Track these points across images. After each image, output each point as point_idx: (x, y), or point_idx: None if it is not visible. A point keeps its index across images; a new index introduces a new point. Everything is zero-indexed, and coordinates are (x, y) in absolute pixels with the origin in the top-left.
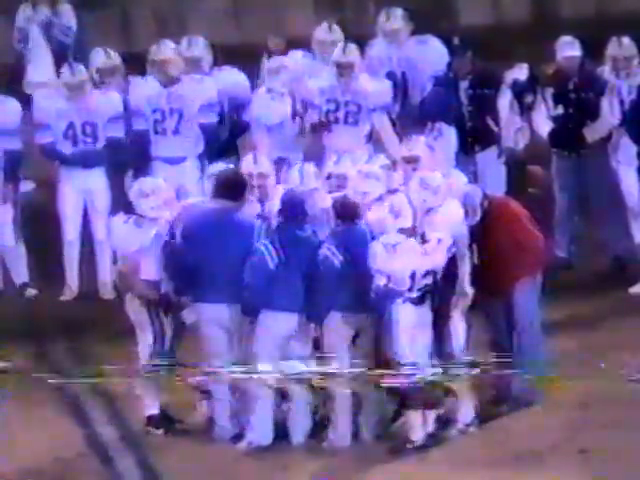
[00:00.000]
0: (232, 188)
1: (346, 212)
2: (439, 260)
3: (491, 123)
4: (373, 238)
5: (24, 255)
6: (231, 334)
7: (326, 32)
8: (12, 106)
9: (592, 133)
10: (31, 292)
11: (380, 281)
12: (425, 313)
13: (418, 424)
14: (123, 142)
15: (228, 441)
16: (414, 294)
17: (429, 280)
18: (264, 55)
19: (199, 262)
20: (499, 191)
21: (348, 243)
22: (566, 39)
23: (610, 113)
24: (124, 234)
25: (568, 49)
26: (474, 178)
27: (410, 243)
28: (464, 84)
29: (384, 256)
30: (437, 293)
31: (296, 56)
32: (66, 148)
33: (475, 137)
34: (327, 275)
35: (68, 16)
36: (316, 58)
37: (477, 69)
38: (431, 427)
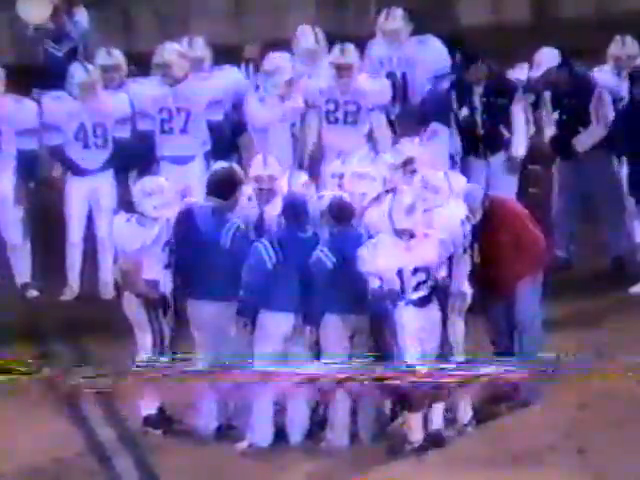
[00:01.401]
0: (223, 187)
1: (342, 214)
2: (428, 256)
3: (504, 130)
4: (371, 239)
5: (29, 254)
6: (215, 331)
7: (313, 43)
8: (29, 106)
9: (582, 143)
10: (32, 293)
11: (374, 283)
12: (430, 315)
13: (418, 425)
14: (129, 142)
15: (216, 438)
16: (413, 295)
17: (421, 278)
18: (243, 63)
19: (193, 260)
20: (511, 194)
21: (343, 245)
22: (544, 51)
23: (597, 123)
24: (126, 232)
25: (545, 62)
26: (486, 182)
27: (390, 240)
28: (478, 89)
29: (367, 256)
30: (441, 294)
31: (285, 57)
32: (77, 149)
33: (487, 142)
34: (320, 277)
35: (80, 12)
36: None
37: (492, 75)
38: (438, 424)
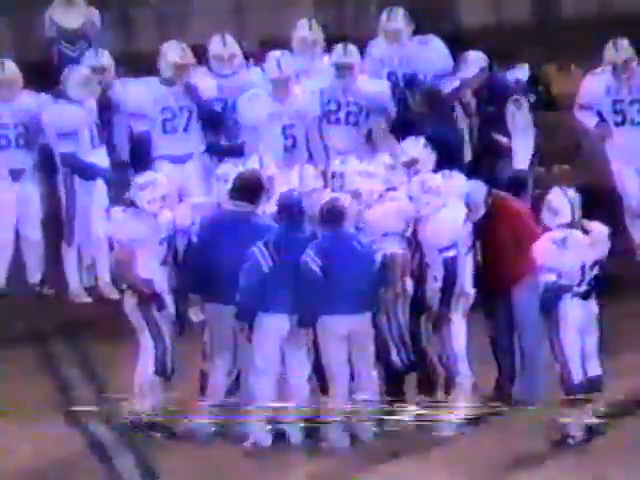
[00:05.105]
0: (250, 191)
1: (332, 217)
2: (604, 250)
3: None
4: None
5: (42, 251)
6: (236, 334)
7: (307, 31)
8: (45, 102)
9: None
10: (49, 291)
11: (549, 278)
12: (592, 308)
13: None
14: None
15: (216, 438)
16: (583, 288)
17: (597, 271)
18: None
19: (214, 262)
20: None
21: (334, 246)
22: (471, 55)
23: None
24: (121, 222)
25: (472, 66)
26: None
27: (577, 235)
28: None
29: (555, 252)
30: (603, 286)
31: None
32: (89, 152)
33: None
34: (309, 280)
35: (93, 12)
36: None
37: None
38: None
